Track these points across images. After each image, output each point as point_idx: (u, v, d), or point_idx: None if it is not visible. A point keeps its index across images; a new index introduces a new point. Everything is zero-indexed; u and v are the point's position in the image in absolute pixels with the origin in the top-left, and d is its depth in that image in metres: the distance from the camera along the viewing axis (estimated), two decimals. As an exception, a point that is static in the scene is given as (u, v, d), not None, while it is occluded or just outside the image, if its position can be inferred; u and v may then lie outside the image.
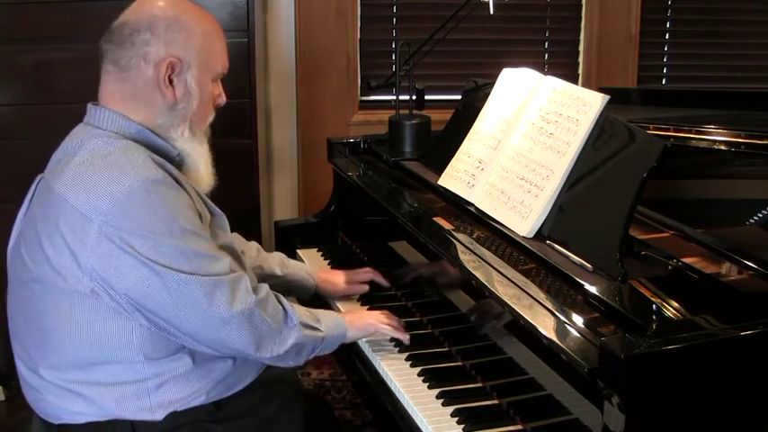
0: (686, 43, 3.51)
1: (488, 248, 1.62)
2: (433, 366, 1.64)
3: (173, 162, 1.52)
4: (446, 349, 1.71)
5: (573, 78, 3.42)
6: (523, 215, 1.61)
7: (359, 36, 3.33)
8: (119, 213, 1.37)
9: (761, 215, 1.76)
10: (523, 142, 1.71)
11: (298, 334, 1.55)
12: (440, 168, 1.94)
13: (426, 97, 2.34)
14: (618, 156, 1.53)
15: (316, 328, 1.60)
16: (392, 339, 1.75)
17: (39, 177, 1.56)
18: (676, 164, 2.01)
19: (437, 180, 1.92)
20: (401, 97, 2.33)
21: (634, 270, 1.40)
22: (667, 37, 3.50)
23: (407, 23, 3.36)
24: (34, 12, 2.65)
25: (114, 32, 1.50)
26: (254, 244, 1.94)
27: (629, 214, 1.43)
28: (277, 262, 1.96)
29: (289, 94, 3.33)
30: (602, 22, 3.38)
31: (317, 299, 2.00)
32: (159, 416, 1.48)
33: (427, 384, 1.59)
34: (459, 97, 2.14)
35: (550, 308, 1.37)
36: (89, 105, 1.53)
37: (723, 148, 1.94)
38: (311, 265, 2.11)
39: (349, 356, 1.81)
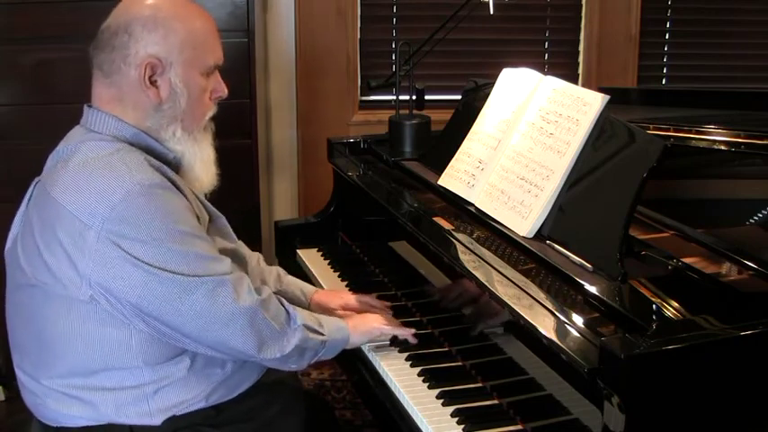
0: (686, 43, 3.51)
1: (488, 248, 1.62)
2: (433, 366, 1.64)
3: (170, 164, 1.51)
4: (446, 349, 1.71)
5: (573, 78, 3.43)
6: (523, 215, 1.61)
7: (359, 36, 3.33)
8: (117, 219, 1.36)
9: (761, 215, 1.76)
10: (523, 142, 1.71)
11: (300, 336, 1.53)
12: (440, 168, 1.94)
13: (426, 97, 2.34)
14: (618, 156, 1.53)
15: (318, 332, 1.58)
16: (394, 339, 1.75)
17: (36, 180, 1.54)
18: (676, 164, 2.01)
19: (437, 180, 1.92)
20: (401, 97, 2.33)
21: (634, 270, 1.40)
22: (667, 37, 3.50)
23: (407, 23, 3.36)
24: (34, 12, 2.65)
25: (98, 36, 1.49)
26: (256, 254, 1.90)
27: (629, 214, 1.43)
28: (274, 276, 1.90)
29: (289, 94, 3.33)
30: (602, 22, 3.38)
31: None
32: (158, 420, 1.48)
33: (427, 384, 1.59)
34: (459, 97, 2.14)
35: (550, 308, 1.37)
36: (85, 107, 1.52)
37: (723, 148, 1.94)
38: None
39: (349, 357, 1.81)
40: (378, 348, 1.74)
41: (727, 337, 1.19)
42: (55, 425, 1.50)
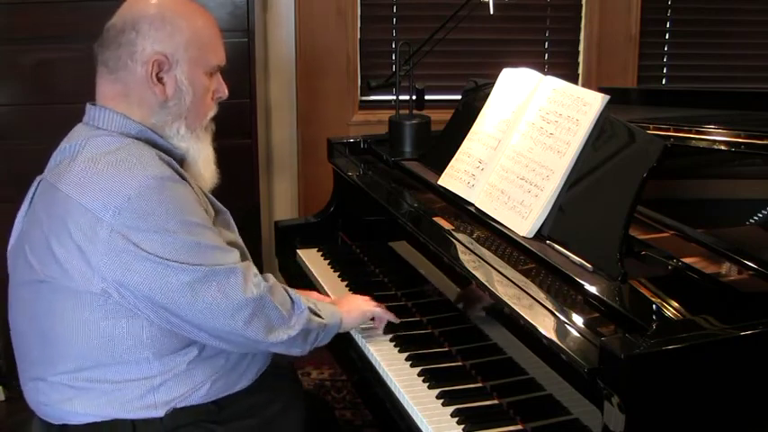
0: (686, 43, 3.51)
1: (488, 248, 1.62)
2: (433, 366, 1.64)
3: (175, 159, 1.52)
4: (446, 349, 1.71)
5: (573, 78, 3.43)
6: (523, 215, 1.61)
7: (359, 36, 3.33)
8: (130, 211, 1.37)
9: (761, 215, 1.76)
10: (523, 142, 1.71)
11: (305, 320, 1.57)
12: (440, 168, 1.94)
13: (426, 97, 2.34)
14: (618, 156, 1.53)
15: (319, 315, 1.62)
16: (392, 339, 1.75)
17: (38, 178, 1.55)
18: (676, 164, 2.01)
19: (437, 180, 1.92)
20: (401, 97, 2.33)
21: (634, 270, 1.40)
22: (667, 37, 3.50)
23: (407, 23, 3.36)
24: (34, 12, 2.65)
25: (104, 34, 1.50)
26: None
27: (629, 214, 1.43)
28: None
29: (289, 94, 3.33)
30: (602, 22, 3.38)
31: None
32: (161, 413, 1.49)
33: (427, 384, 1.59)
34: (459, 97, 2.14)
35: (550, 308, 1.37)
36: (88, 105, 1.53)
37: (723, 148, 1.94)
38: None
39: (349, 356, 1.81)
40: (378, 348, 1.74)
41: (727, 337, 1.19)
42: (58, 423, 1.50)
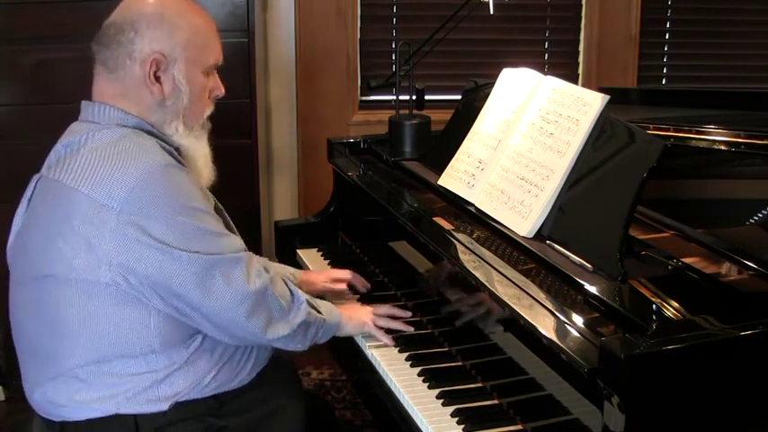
0: (686, 43, 3.51)
1: (488, 248, 1.62)
2: (433, 366, 1.64)
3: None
4: (446, 349, 1.71)
5: (573, 78, 3.43)
6: (523, 215, 1.61)
7: (359, 36, 3.33)
8: (137, 199, 1.38)
9: (761, 215, 1.76)
10: (523, 142, 1.71)
11: (305, 313, 1.58)
12: (440, 168, 1.94)
13: (426, 97, 2.34)
14: (618, 156, 1.53)
15: (318, 310, 1.64)
16: (395, 338, 1.75)
17: (36, 177, 1.55)
18: (676, 164, 2.01)
19: (437, 180, 1.92)
20: (401, 97, 2.33)
21: (634, 270, 1.40)
22: (667, 37, 3.50)
23: (407, 23, 3.36)
24: (34, 12, 2.65)
25: (102, 33, 1.51)
26: None
27: (629, 214, 1.43)
28: (262, 263, 1.94)
29: (289, 94, 3.33)
30: (602, 22, 3.38)
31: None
32: (165, 406, 1.49)
33: (427, 384, 1.59)
34: (459, 97, 2.14)
35: (550, 308, 1.37)
36: (83, 103, 1.54)
37: (723, 148, 1.94)
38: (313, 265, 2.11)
39: (349, 356, 1.81)
40: (378, 348, 1.74)
41: (727, 337, 1.19)
42: (58, 419, 1.50)
